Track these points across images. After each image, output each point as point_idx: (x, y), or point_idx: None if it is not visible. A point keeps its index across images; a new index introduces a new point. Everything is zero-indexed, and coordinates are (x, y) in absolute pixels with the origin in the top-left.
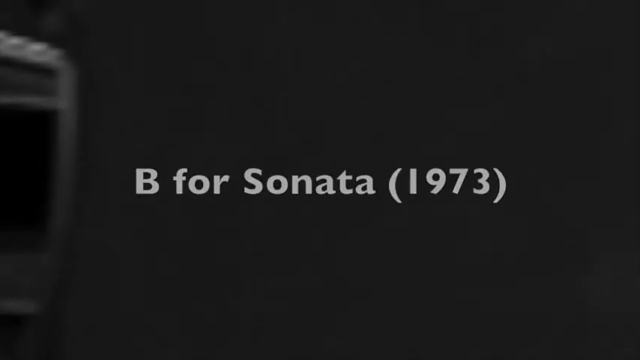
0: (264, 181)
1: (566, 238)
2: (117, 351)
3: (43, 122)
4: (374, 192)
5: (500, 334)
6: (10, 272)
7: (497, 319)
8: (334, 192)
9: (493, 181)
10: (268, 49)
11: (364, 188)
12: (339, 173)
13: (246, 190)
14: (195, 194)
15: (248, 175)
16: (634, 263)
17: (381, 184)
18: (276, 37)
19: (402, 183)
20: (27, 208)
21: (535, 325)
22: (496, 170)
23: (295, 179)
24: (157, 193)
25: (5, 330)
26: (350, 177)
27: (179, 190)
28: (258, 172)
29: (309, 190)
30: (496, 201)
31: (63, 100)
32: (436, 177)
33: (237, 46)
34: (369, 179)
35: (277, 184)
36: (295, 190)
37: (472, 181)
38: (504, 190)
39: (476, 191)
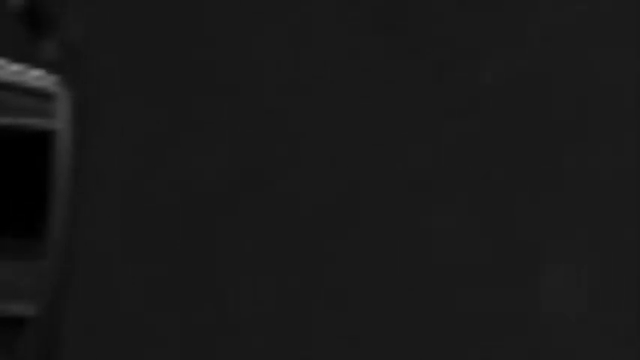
0: (255, 188)
1: (522, 247)
2: (114, 351)
3: (41, 141)
4: (351, 202)
5: (464, 334)
6: (12, 277)
7: (461, 319)
8: (317, 202)
9: (459, 195)
10: (254, 72)
11: (340, 199)
12: (322, 183)
13: (237, 197)
14: (187, 203)
15: (239, 181)
16: (583, 270)
17: (356, 194)
18: (259, 55)
19: (374, 194)
20: (27, 219)
21: (492, 326)
22: (459, 185)
23: (283, 186)
24: (151, 201)
25: (7, 331)
26: (328, 188)
27: (172, 199)
28: (250, 178)
29: (296, 199)
30: (460, 213)
31: (59, 121)
32: (405, 188)
33: (229, 71)
34: (346, 189)
35: (267, 191)
36: (284, 198)
37: (437, 194)
38: (467, 203)
39: (441, 204)
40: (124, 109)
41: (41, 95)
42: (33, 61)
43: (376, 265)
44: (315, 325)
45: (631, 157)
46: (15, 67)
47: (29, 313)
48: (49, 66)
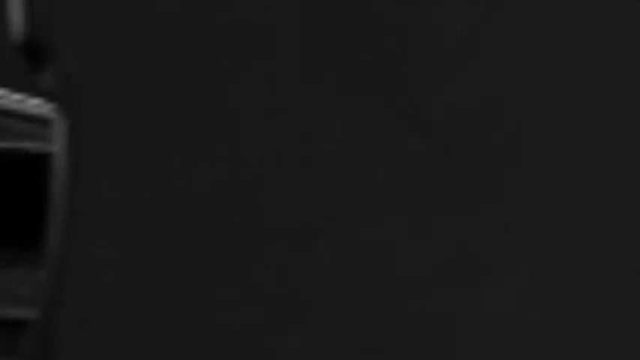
0: (236, 204)
1: (473, 257)
2: (107, 352)
3: (39, 162)
4: (316, 218)
5: (416, 337)
6: (13, 285)
7: (413, 323)
8: (286, 218)
9: (414, 210)
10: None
11: (306, 216)
12: (289, 202)
13: (218, 212)
14: (176, 218)
15: (219, 197)
16: (531, 278)
17: (320, 210)
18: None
19: (336, 211)
20: (27, 232)
21: (445, 332)
22: (411, 202)
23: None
24: (142, 215)
25: (9, 333)
26: (294, 207)
27: (162, 214)
28: (232, 195)
29: (268, 214)
30: (411, 227)
31: (56, 145)
32: (362, 206)
33: (212, 97)
34: (311, 206)
35: (247, 207)
36: (259, 213)
37: (392, 209)
38: (418, 217)
39: (399, 217)
40: (114, 133)
41: (39, 121)
42: (32, 91)
43: (341, 274)
44: (294, 332)
45: (569, 172)
46: (16, 96)
47: (29, 316)
48: (47, 95)
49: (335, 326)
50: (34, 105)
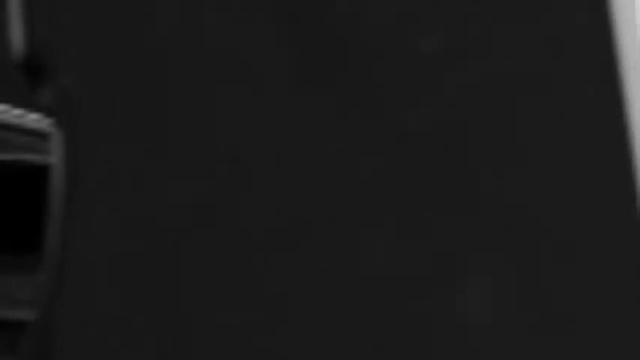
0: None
1: (442, 263)
2: (102, 353)
3: (38, 173)
4: (293, 228)
5: (391, 339)
6: (13, 288)
7: (388, 325)
8: (261, 230)
9: (390, 218)
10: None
11: (283, 227)
12: (264, 215)
13: (199, 227)
14: (168, 224)
15: (200, 212)
16: (499, 284)
17: (296, 221)
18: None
19: (312, 221)
20: (27, 239)
21: (417, 331)
22: (387, 211)
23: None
24: (135, 220)
25: (10, 333)
26: (269, 219)
27: (155, 219)
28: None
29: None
30: (387, 235)
31: (54, 157)
32: (339, 216)
33: (194, 120)
34: (288, 217)
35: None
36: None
37: (368, 219)
38: (394, 226)
39: (375, 224)
40: (107, 145)
41: (39, 135)
42: (32, 106)
43: (319, 278)
44: (276, 341)
45: (539, 181)
46: (16, 112)
47: (28, 318)
48: (46, 110)
49: (312, 329)
50: (34, 120)
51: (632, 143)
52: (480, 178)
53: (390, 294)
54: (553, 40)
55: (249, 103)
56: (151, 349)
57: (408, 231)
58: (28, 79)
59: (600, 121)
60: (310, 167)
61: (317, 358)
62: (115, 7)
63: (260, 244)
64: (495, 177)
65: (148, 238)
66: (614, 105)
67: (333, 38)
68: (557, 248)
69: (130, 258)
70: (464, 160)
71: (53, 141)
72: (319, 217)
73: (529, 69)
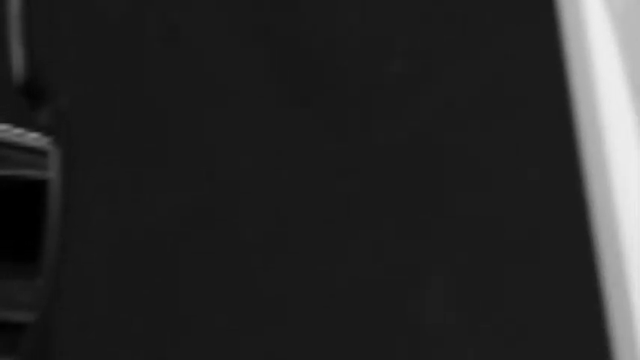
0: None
1: (407, 269)
2: (98, 353)
3: (37, 188)
4: (272, 239)
5: (362, 342)
6: (14, 292)
7: (360, 328)
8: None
9: (355, 228)
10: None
11: (263, 236)
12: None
13: (190, 233)
14: (159, 234)
15: (190, 220)
16: (459, 285)
17: (276, 232)
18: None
19: (289, 232)
20: (26, 247)
21: (379, 338)
22: (359, 223)
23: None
24: (128, 229)
25: (10, 334)
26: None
27: (145, 228)
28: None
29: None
30: (357, 245)
31: (52, 172)
32: (314, 227)
33: (183, 136)
34: (268, 228)
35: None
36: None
37: (338, 227)
38: (365, 237)
39: (340, 236)
40: (101, 161)
41: (38, 152)
42: (31, 126)
43: (296, 285)
44: (268, 344)
45: (492, 198)
46: (17, 131)
47: (28, 320)
48: (44, 129)
49: (292, 331)
50: (33, 138)
51: (582, 157)
52: (443, 190)
53: (360, 297)
54: (511, 63)
55: (233, 120)
56: (147, 352)
57: (376, 239)
58: (27, 101)
59: (554, 138)
60: (288, 180)
61: (294, 358)
62: (109, 30)
63: (241, 253)
64: (457, 189)
65: (144, 243)
66: (566, 122)
67: (309, 61)
68: (513, 255)
69: (128, 262)
70: (430, 174)
71: (51, 158)
72: (297, 226)
73: (488, 91)
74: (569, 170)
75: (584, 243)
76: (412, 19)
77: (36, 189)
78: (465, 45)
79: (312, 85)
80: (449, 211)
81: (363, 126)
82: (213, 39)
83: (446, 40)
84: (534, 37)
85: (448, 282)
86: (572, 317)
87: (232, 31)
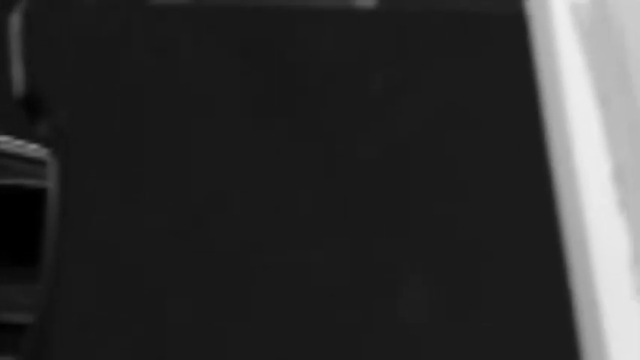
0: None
1: (385, 272)
2: (94, 353)
3: (36, 196)
4: (252, 247)
5: (338, 344)
6: (15, 295)
7: (335, 332)
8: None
9: (336, 237)
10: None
11: (242, 246)
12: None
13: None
14: (146, 240)
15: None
16: (437, 284)
17: (256, 241)
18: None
19: (267, 241)
20: (27, 252)
21: (360, 339)
22: (338, 228)
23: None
24: (118, 236)
25: (10, 335)
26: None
27: (134, 235)
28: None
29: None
30: (339, 248)
31: (50, 182)
32: (290, 236)
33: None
34: (247, 230)
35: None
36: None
37: (320, 235)
38: (343, 241)
39: (322, 244)
40: (95, 172)
41: (37, 162)
42: (31, 138)
43: (272, 287)
44: (254, 342)
45: (462, 206)
46: (18, 142)
47: (28, 321)
48: (43, 141)
49: (272, 334)
50: (33, 149)
51: (551, 162)
52: (421, 196)
53: (342, 295)
54: (484, 78)
55: (219, 130)
56: (136, 350)
57: (357, 242)
58: (27, 114)
59: (524, 145)
60: (269, 186)
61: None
62: (101, 48)
63: (221, 259)
64: (434, 195)
65: (137, 248)
66: (536, 130)
67: (290, 76)
68: (487, 256)
69: (121, 266)
70: (407, 182)
71: (49, 168)
72: (279, 230)
73: (459, 106)
74: (538, 175)
75: (553, 244)
76: (390, 39)
77: (35, 197)
78: (440, 63)
79: (294, 98)
80: (426, 215)
81: (344, 136)
82: (201, 55)
83: (421, 60)
84: (507, 52)
85: (426, 281)
86: (542, 314)
87: (219, 45)
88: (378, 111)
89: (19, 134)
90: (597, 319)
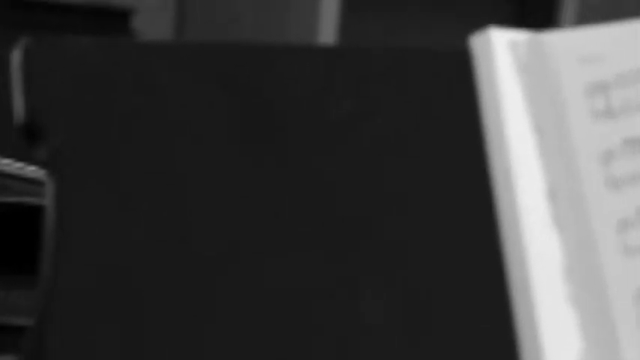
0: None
1: (346, 277)
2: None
3: (35, 212)
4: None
5: (305, 343)
6: (18, 299)
7: (303, 332)
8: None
9: (304, 248)
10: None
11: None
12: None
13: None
14: (137, 251)
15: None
16: (389, 293)
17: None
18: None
19: (243, 249)
20: (26, 263)
21: (319, 343)
22: (306, 241)
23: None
24: (110, 246)
25: (12, 337)
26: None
27: (125, 245)
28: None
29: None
30: (305, 258)
31: (47, 199)
32: (268, 242)
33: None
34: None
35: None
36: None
37: (289, 247)
38: (310, 253)
39: (292, 255)
40: (88, 192)
41: (35, 182)
42: (30, 160)
43: (244, 293)
44: (224, 345)
45: (417, 226)
46: (18, 164)
47: (27, 323)
48: (41, 164)
49: (236, 335)
50: (32, 170)
51: (492, 184)
52: (377, 218)
53: (309, 304)
54: (430, 111)
55: (199, 156)
56: (124, 352)
57: (320, 257)
58: (27, 140)
59: (466, 169)
60: (244, 204)
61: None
62: (93, 79)
63: (204, 267)
64: (389, 217)
65: (126, 259)
66: (477, 157)
67: (264, 105)
68: (432, 272)
69: (111, 275)
70: (363, 203)
71: (46, 187)
72: (251, 244)
73: (408, 133)
74: (482, 194)
75: (495, 254)
76: (351, 73)
77: (34, 213)
78: (394, 94)
79: (266, 127)
80: (382, 234)
81: (308, 161)
82: (183, 86)
83: (378, 92)
84: (454, 85)
85: (380, 291)
86: (488, 316)
87: (199, 79)
88: (342, 136)
89: (19, 157)
90: (533, 322)
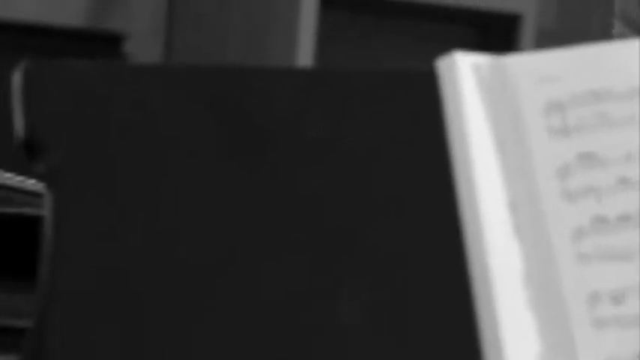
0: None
1: (327, 281)
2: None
3: (34, 222)
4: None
5: (286, 343)
6: (19, 302)
7: (286, 332)
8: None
9: (288, 253)
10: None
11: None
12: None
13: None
14: (130, 259)
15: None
16: (368, 296)
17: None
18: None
19: (232, 257)
20: (26, 269)
21: (307, 336)
22: (290, 248)
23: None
24: (106, 253)
25: (14, 337)
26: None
27: (120, 251)
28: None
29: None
30: (287, 263)
31: (45, 210)
32: (253, 251)
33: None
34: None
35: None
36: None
37: (275, 254)
38: (295, 257)
39: (278, 260)
40: (84, 203)
41: (35, 195)
42: (30, 174)
43: (228, 297)
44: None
45: (400, 235)
46: (18, 178)
47: (28, 325)
48: (40, 177)
49: (224, 339)
50: (32, 184)
51: (457, 196)
52: (356, 227)
53: (291, 306)
54: (396, 136)
55: (188, 171)
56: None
57: (302, 263)
58: (27, 154)
59: (433, 186)
60: (231, 213)
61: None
62: (88, 98)
63: (193, 275)
64: (366, 226)
65: (120, 265)
66: (443, 172)
67: (249, 123)
68: (408, 277)
69: (105, 280)
70: (342, 215)
71: (45, 199)
72: (238, 252)
73: (380, 150)
74: (448, 206)
75: (460, 261)
76: (327, 95)
77: (34, 223)
78: (367, 115)
79: (250, 142)
80: (360, 242)
81: (288, 175)
82: (173, 106)
83: (353, 113)
84: (422, 104)
85: (358, 293)
86: (455, 318)
87: (188, 99)
88: (319, 153)
89: (20, 171)
90: (495, 325)
